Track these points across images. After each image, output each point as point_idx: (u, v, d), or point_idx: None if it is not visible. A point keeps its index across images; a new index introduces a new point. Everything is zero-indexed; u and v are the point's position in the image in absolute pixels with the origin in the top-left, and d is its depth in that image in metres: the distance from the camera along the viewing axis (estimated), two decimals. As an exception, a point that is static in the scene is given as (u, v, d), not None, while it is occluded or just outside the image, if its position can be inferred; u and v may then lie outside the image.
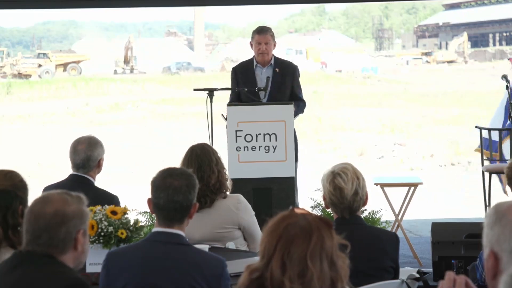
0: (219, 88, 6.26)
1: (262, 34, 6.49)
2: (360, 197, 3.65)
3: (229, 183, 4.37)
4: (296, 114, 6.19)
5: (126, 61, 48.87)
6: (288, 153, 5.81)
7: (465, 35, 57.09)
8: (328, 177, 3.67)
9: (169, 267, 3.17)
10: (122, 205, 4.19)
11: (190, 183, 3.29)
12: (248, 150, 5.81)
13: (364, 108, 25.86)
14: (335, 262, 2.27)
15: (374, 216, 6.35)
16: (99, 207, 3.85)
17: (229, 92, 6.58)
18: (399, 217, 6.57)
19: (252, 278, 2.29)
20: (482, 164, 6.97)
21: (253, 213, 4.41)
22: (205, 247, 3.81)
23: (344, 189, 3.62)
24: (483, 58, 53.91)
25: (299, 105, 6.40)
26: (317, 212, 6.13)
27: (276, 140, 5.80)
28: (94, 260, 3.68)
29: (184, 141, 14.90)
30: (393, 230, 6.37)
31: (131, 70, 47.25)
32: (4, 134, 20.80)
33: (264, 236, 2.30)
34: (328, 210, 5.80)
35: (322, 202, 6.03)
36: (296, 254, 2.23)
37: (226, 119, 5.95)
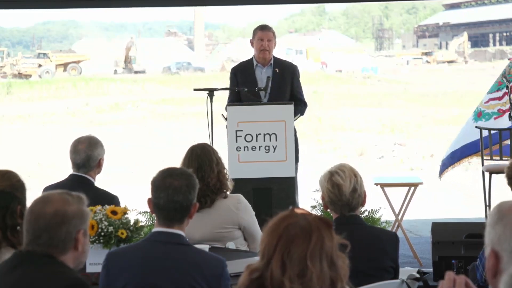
0: (219, 88, 6.25)
1: (265, 31, 6.50)
2: (358, 194, 3.67)
3: (230, 183, 4.37)
4: (295, 115, 6.17)
5: (126, 61, 48.94)
6: (288, 153, 5.81)
7: (465, 35, 57.12)
8: (326, 176, 3.70)
9: (169, 267, 3.17)
10: (122, 205, 4.19)
11: (190, 183, 3.29)
12: (248, 150, 5.81)
13: (364, 108, 25.86)
14: (335, 262, 2.27)
15: (374, 216, 6.34)
16: (99, 207, 3.84)
17: (228, 92, 6.58)
18: (399, 217, 6.57)
19: (252, 278, 2.29)
20: (482, 164, 6.97)
21: (253, 213, 4.41)
22: (205, 247, 3.80)
23: (342, 185, 3.64)
24: (483, 58, 53.94)
25: (299, 108, 6.35)
26: (317, 212, 6.13)
27: (276, 140, 5.79)
28: (94, 260, 3.67)
29: (184, 141, 14.91)
30: (393, 230, 6.37)
31: (125, 67, 47.32)
32: (4, 134, 20.80)
33: (264, 236, 2.30)
34: (328, 210, 5.81)
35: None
36: (296, 254, 2.23)
37: (226, 119, 5.95)
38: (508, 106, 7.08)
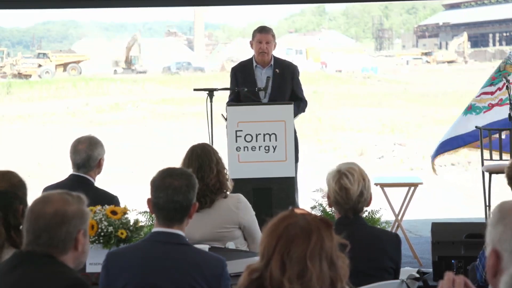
0: (219, 88, 6.25)
1: (264, 33, 6.49)
2: (364, 198, 3.66)
3: (229, 183, 4.37)
4: (296, 114, 6.18)
5: (127, 61, 48.91)
6: (288, 153, 5.81)
7: (465, 35, 57.09)
8: (334, 176, 3.66)
9: (169, 267, 3.17)
10: (122, 205, 4.19)
11: (190, 183, 3.29)
12: (248, 150, 5.81)
13: (364, 108, 25.86)
14: (334, 262, 2.27)
15: (374, 216, 6.34)
16: (99, 207, 3.85)
17: (229, 92, 6.58)
18: (399, 217, 6.57)
19: (252, 278, 2.28)
20: (482, 164, 6.97)
21: (253, 213, 4.41)
22: (205, 247, 3.81)
23: (350, 189, 3.62)
24: (483, 58, 53.90)
25: (300, 106, 6.40)
26: (317, 212, 6.13)
27: (276, 140, 5.80)
28: (94, 260, 3.67)
29: (184, 141, 14.90)
30: (393, 230, 6.37)
31: (128, 66, 47.28)
32: (4, 134, 20.80)
33: (264, 236, 2.30)
34: (328, 210, 5.81)
35: (322, 202, 6.05)
36: (295, 254, 2.23)
37: (226, 119, 5.95)
38: (497, 100, 7.20)
